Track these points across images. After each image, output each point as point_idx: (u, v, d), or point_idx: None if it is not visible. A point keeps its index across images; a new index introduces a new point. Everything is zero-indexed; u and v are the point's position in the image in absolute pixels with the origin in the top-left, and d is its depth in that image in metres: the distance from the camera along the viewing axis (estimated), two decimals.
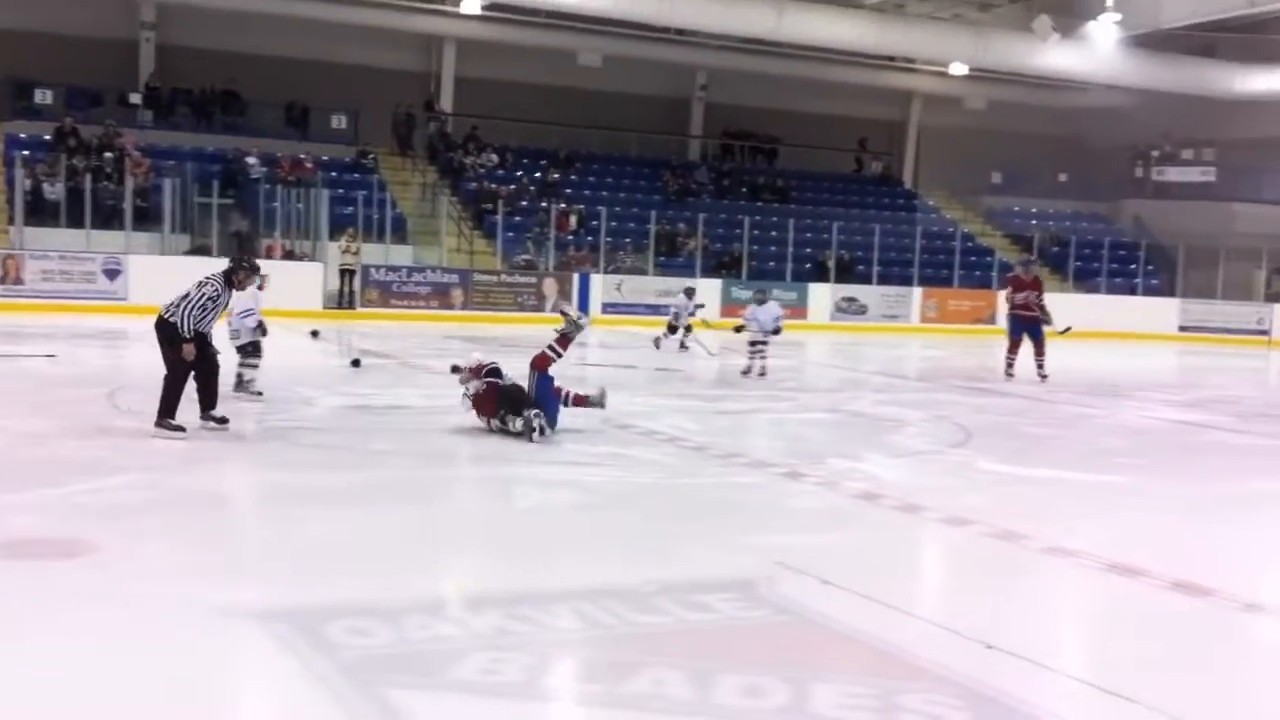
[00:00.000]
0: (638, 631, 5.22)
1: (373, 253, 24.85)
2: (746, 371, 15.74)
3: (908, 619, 5.54)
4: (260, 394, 11.42)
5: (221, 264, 10.31)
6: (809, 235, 30.29)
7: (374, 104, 29.11)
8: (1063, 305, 30.36)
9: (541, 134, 31.68)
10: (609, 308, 26.05)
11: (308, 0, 27.88)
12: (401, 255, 25.79)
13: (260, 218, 25.04)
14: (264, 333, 11.54)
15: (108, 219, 24.03)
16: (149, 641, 4.91)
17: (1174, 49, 31.86)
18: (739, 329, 16.15)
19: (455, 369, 14.47)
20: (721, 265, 28.81)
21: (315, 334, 19.00)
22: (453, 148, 30.17)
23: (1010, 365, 17.13)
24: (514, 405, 9.88)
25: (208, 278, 9.52)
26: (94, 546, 6.22)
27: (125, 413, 10.65)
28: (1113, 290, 31.76)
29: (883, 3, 28.66)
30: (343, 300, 23.96)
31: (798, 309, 28.13)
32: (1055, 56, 30.26)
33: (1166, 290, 32.05)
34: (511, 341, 20.09)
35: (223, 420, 9.57)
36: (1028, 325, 17.13)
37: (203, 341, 9.38)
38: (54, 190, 24.07)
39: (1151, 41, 30.85)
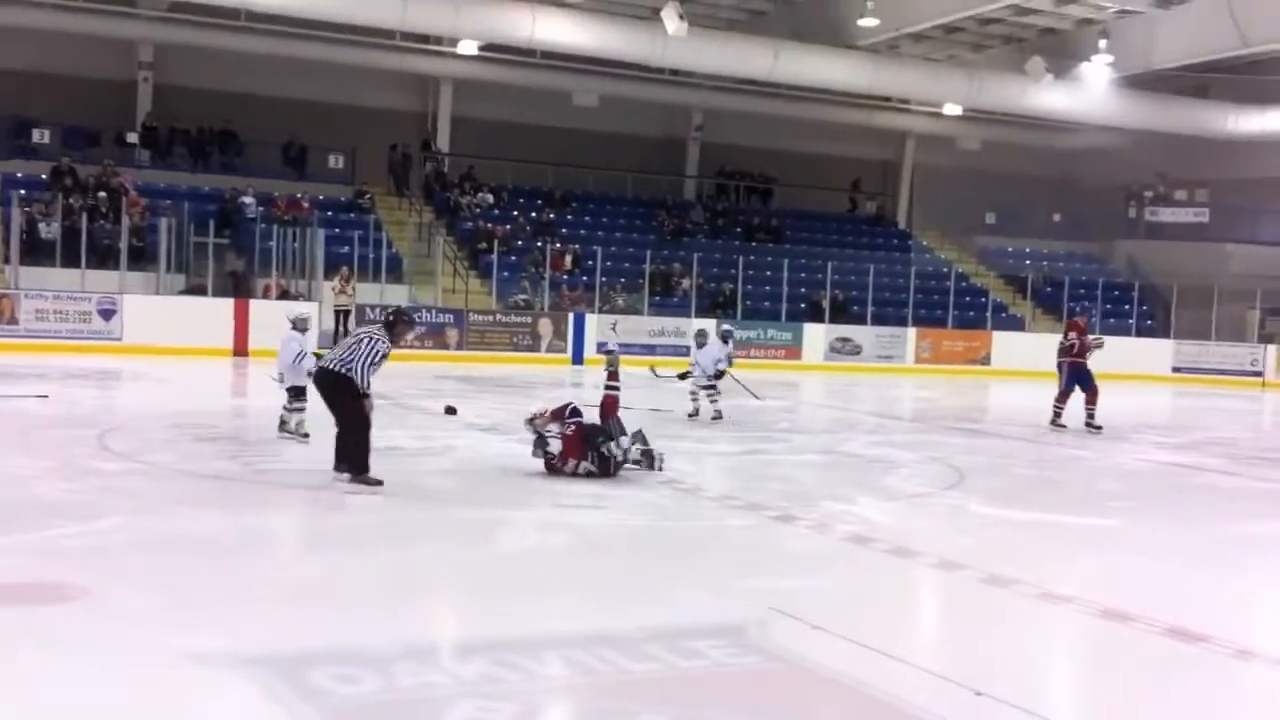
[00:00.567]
0: (627, 679, 5.19)
1: (368, 292, 24.86)
2: (693, 414, 15.24)
3: (898, 665, 5.51)
4: (307, 436, 11.29)
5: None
6: (803, 275, 30.36)
7: (370, 144, 29.22)
8: (1055, 346, 30.55)
9: (537, 174, 31.81)
10: (603, 348, 26.06)
11: (305, 40, 28.02)
12: (397, 295, 25.80)
13: (256, 257, 25.06)
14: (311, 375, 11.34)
15: (103, 258, 24.04)
16: (132, 689, 4.87)
17: (1167, 89, 32.08)
18: (684, 375, 15.73)
19: (450, 410, 14.49)
20: (716, 305, 28.85)
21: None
22: (449, 187, 30.28)
23: (1059, 414, 16.20)
24: (605, 439, 10.10)
25: (371, 333, 9.25)
26: (79, 591, 6.18)
27: (114, 454, 10.62)
28: (1106, 331, 31.57)
29: (877, 44, 28.83)
30: (337, 339, 23.89)
31: (792, 349, 28.19)
32: (1048, 97, 30.46)
33: (1160, 331, 32.10)
34: (506, 382, 20.11)
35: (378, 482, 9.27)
36: (1082, 372, 16.18)
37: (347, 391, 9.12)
38: (50, 230, 24.10)
39: (1144, 82, 31.06)
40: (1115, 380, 27.96)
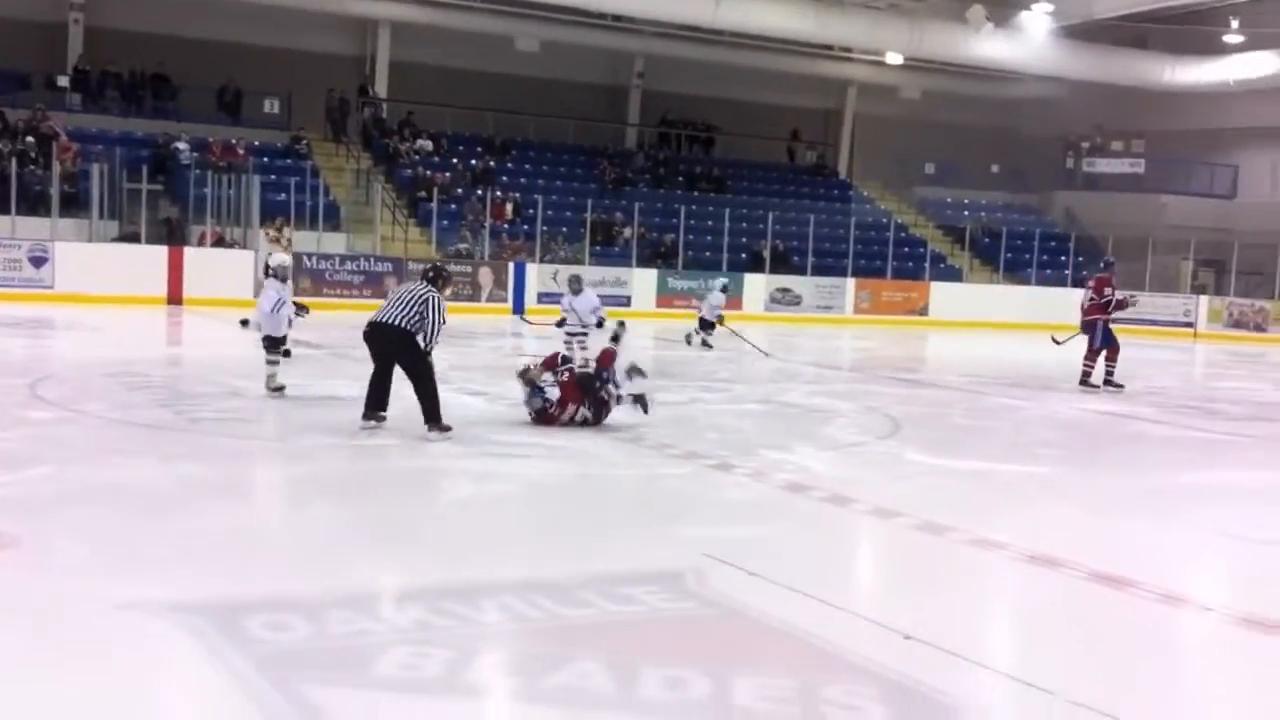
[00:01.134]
0: (562, 624, 5.21)
1: (305, 240, 24.56)
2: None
3: (832, 611, 5.58)
4: (282, 388, 11.20)
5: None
6: (744, 225, 30.37)
7: (307, 88, 28.76)
8: (993, 297, 30.95)
9: (477, 120, 31.50)
10: (545, 297, 25.96)
11: None
12: (334, 243, 25.54)
13: (191, 204, 24.68)
14: (290, 325, 11.56)
15: (34, 205, 23.57)
16: (63, 638, 4.83)
17: (1106, 40, 32.34)
18: (560, 322, 15.31)
19: None
20: (657, 255, 28.81)
21: (245, 323, 18.65)
22: (387, 134, 29.92)
23: (1090, 373, 15.77)
24: (601, 384, 10.31)
25: (430, 295, 9.49)
26: (9, 540, 6.10)
27: (45, 403, 10.47)
28: (1043, 281, 32.14)
29: None
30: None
31: (733, 299, 28.21)
32: (988, 46, 30.60)
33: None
34: (446, 331, 19.97)
35: (384, 419, 9.73)
36: (1107, 329, 15.73)
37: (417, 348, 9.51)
38: None
39: (1084, 32, 31.28)
40: (1049, 330, 28.37)
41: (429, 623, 5.12)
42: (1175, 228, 32.08)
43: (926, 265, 31.56)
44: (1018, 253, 32.88)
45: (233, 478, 8.05)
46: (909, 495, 8.41)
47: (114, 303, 20.83)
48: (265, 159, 27.22)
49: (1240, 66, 32.19)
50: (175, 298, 22.46)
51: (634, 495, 8.34)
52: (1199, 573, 7.16)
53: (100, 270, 22.02)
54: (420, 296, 9.49)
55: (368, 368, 13.66)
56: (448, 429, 9.48)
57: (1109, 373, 15.60)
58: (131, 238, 23.49)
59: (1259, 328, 30.41)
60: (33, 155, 24.31)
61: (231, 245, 24.37)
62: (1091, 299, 15.90)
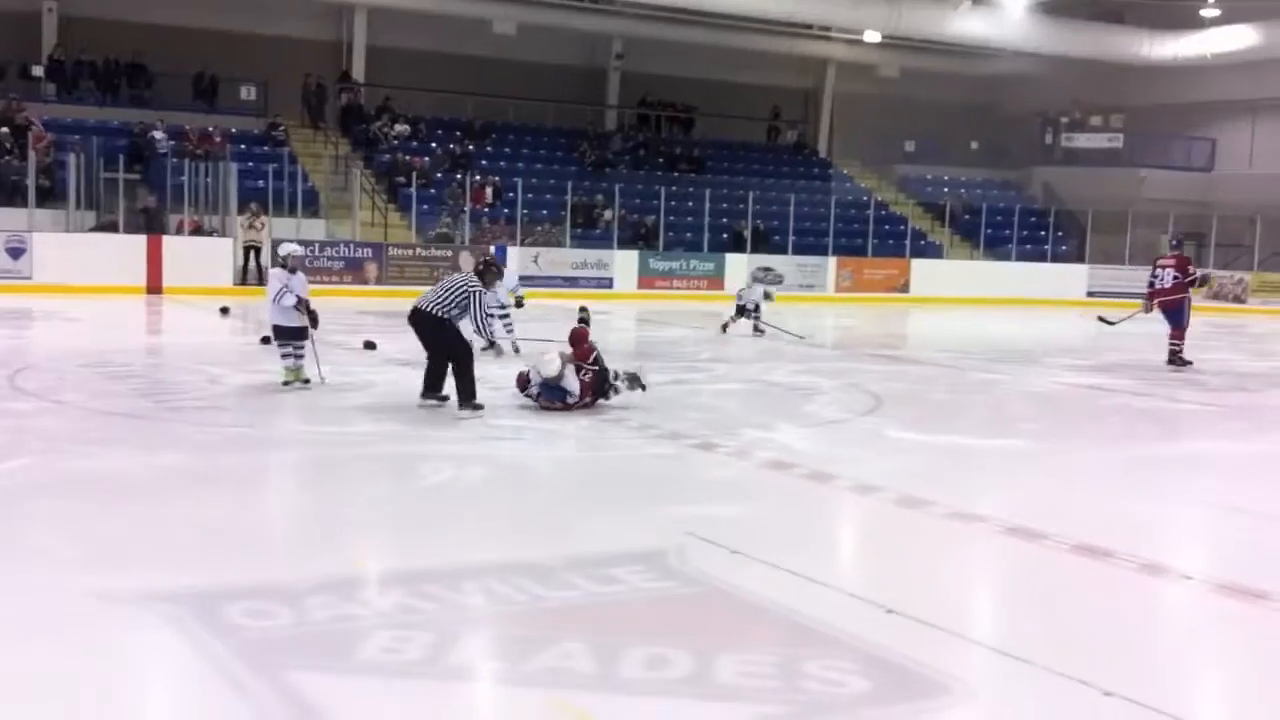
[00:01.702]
0: (545, 606, 5.22)
1: (284, 227, 24.41)
2: (487, 348, 14.83)
3: (814, 587, 5.60)
4: (308, 381, 11.04)
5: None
6: (725, 205, 30.33)
7: (283, 75, 28.59)
8: (974, 273, 31.01)
9: (456, 104, 31.36)
10: (525, 280, 25.89)
11: None
12: (314, 229, 25.41)
13: (168, 192, 24.52)
14: (306, 312, 10.93)
15: (10, 195, 23.40)
16: (43, 629, 4.82)
17: (1083, 15, 32.35)
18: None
19: (369, 345, 14.36)
20: (638, 236, 28.78)
21: (224, 311, 18.69)
22: (365, 119, 29.78)
23: (1181, 351, 15.78)
24: (612, 380, 10.58)
25: (474, 288, 9.95)
26: None
27: (24, 394, 10.42)
28: (1023, 257, 32.22)
29: None
30: (247, 277, 23.46)
31: (714, 279, 28.25)
32: (966, 23, 30.59)
33: (1075, 256, 32.57)
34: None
35: (444, 398, 10.09)
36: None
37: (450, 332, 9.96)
38: None
39: (1061, 7, 31.28)
40: (1030, 305, 28.51)
41: (411, 606, 5.12)
42: (1154, 201, 32.16)
43: (907, 243, 31.57)
44: (998, 229, 32.93)
45: (212, 466, 8.03)
46: (890, 471, 8.43)
47: (93, 293, 20.72)
48: (242, 146, 27.07)
49: (1218, 40, 32.24)
50: (154, 287, 22.34)
51: (616, 476, 8.35)
52: (1178, 542, 7.21)
53: (78, 260, 21.89)
54: (462, 289, 9.91)
55: (351, 354, 13.69)
56: (479, 407, 9.85)
57: (1175, 350, 15.84)
58: (109, 227, 23.33)
59: (1238, 299, 30.55)
60: (8, 146, 24.14)
61: (210, 233, 24.24)
62: (1176, 278, 15.96)
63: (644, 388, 10.79)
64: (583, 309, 12.47)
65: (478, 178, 28.38)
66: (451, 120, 31.18)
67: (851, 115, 35.59)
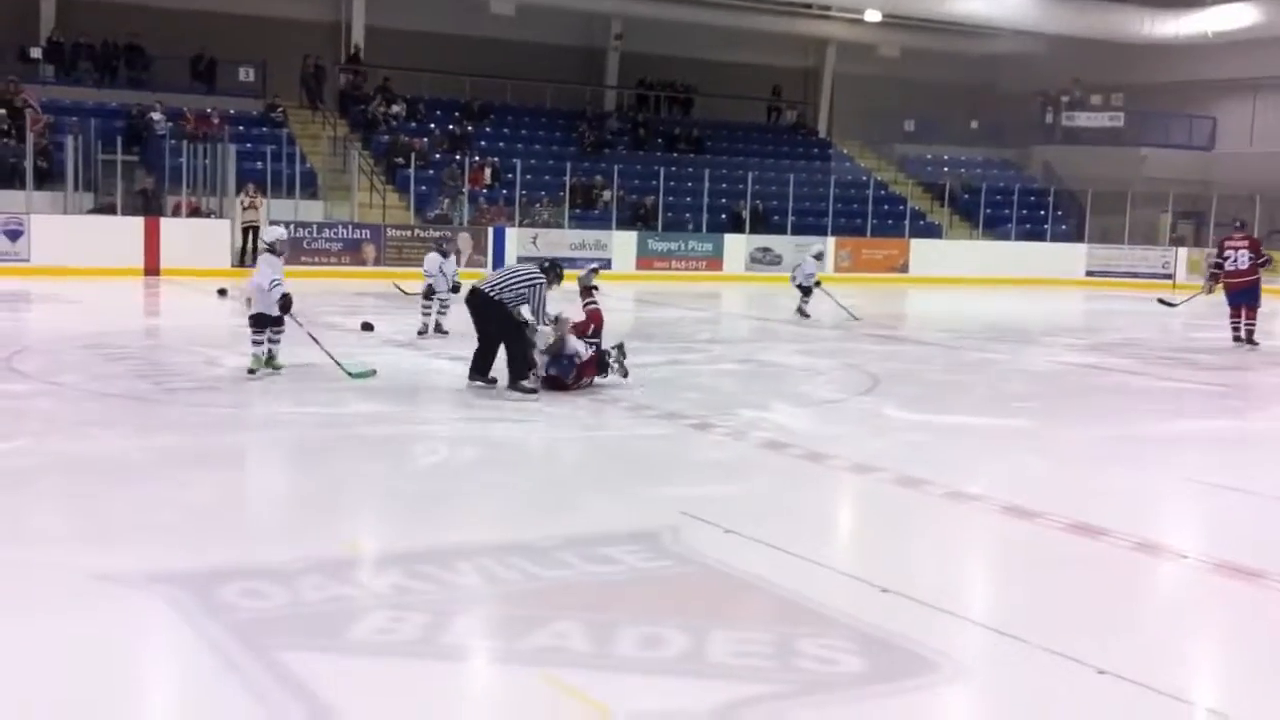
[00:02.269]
0: (540, 586, 5.23)
1: (282, 209, 24.40)
2: (423, 332, 14.15)
3: (809, 566, 5.61)
4: (280, 368, 10.74)
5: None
6: (724, 186, 30.27)
7: (281, 56, 28.50)
8: (973, 252, 30.99)
9: (454, 85, 31.26)
10: (524, 262, 25.91)
11: None
12: (312, 211, 25.37)
13: (166, 174, 24.46)
14: (285, 308, 10.46)
15: (8, 178, 23.34)
16: (39, 609, 4.83)
17: None
18: (429, 291, 14.26)
19: (366, 326, 14.38)
20: (637, 217, 28.73)
21: (223, 292, 18.67)
22: (363, 100, 29.70)
23: (1253, 332, 15.99)
24: (613, 358, 10.68)
25: (533, 277, 10.11)
26: None
27: (22, 376, 10.43)
28: (1022, 237, 32.18)
29: None
30: (245, 258, 23.44)
31: (713, 260, 28.23)
32: (966, 2, 30.51)
33: (1074, 236, 32.51)
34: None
35: (492, 381, 10.21)
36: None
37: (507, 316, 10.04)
38: None
39: None
40: (1029, 285, 28.50)
41: (406, 587, 5.13)
42: (1154, 180, 32.08)
43: (906, 223, 31.51)
44: (997, 208, 32.88)
45: (209, 447, 8.04)
46: (886, 450, 8.45)
47: (91, 275, 20.69)
48: (241, 128, 26.98)
49: (1218, 18, 32.14)
50: (152, 269, 22.31)
51: (612, 456, 8.36)
52: (1174, 521, 7.22)
53: (76, 242, 21.85)
54: (526, 279, 10.07)
55: (348, 335, 13.69)
56: (532, 391, 9.96)
57: (1249, 332, 16.00)
58: (107, 209, 23.28)
59: None
60: (6, 128, 24.07)
61: (208, 215, 24.20)
62: (1251, 259, 16.19)
63: (625, 374, 10.74)
64: (593, 270, 11.94)
65: (476, 159, 28.33)
66: (450, 101, 31.09)
67: (851, 95, 35.49)
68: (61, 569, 5.25)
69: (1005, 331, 17.57)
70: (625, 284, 24.83)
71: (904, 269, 30.01)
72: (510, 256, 25.51)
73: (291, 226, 23.90)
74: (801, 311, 18.44)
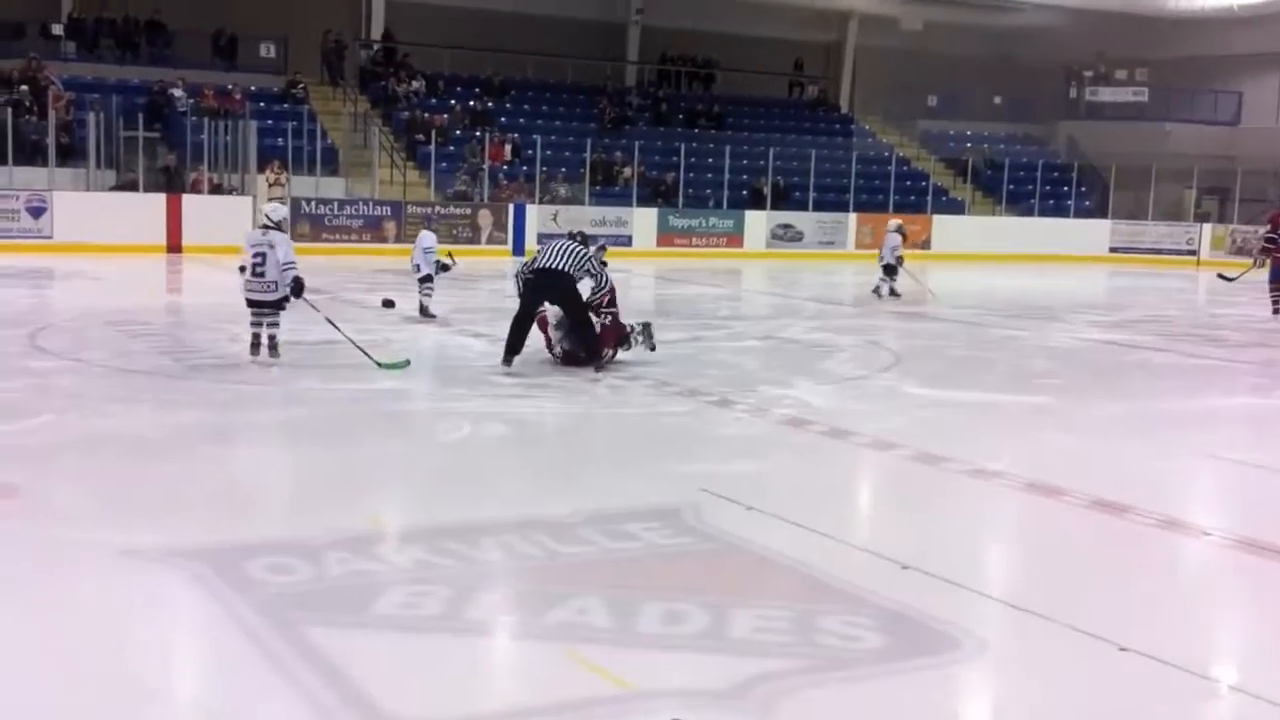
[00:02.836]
0: (562, 562, 5.25)
1: (303, 185, 24.44)
2: (430, 313, 13.71)
3: (830, 543, 5.61)
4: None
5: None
6: (745, 162, 30.16)
7: (302, 32, 28.50)
8: (996, 228, 30.83)
9: (475, 61, 31.21)
10: (545, 239, 25.90)
11: None
12: (333, 188, 25.38)
13: (188, 151, 24.53)
14: (298, 292, 10.04)
15: (30, 155, 23.44)
16: (67, 585, 4.88)
17: None
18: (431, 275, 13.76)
19: (387, 303, 14.40)
20: (657, 194, 28.66)
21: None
22: (384, 77, 29.68)
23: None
24: (632, 329, 10.73)
25: (588, 254, 10.28)
26: (10, 489, 6.15)
27: (46, 353, 10.49)
28: (1045, 213, 32.00)
29: None
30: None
31: (734, 237, 28.16)
32: None
33: (1098, 212, 32.32)
34: (445, 275, 19.95)
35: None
36: None
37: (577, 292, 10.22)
38: None
39: None
40: (1052, 261, 28.34)
41: (429, 562, 5.16)
42: (1179, 156, 31.83)
43: (929, 199, 31.37)
44: (1020, 184, 32.68)
45: (232, 423, 8.08)
46: (907, 427, 8.43)
47: (113, 252, 20.78)
48: (262, 104, 27.01)
49: None
50: (175, 246, 22.39)
51: (634, 433, 8.36)
52: (1197, 498, 7.20)
53: (99, 219, 21.93)
54: (586, 256, 10.21)
55: (369, 312, 13.72)
56: (605, 368, 10.18)
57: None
58: (129, 186, 23.36)
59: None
60: (28, 105, 24.16)
61: (230, 192, 24.26)
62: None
63: (653, 347, 10.81)
64: (601, 246, 11.68)
65: (496, 135, 28.31)
66: (470, 77, 31.05)
67: (874, 70, 35.29)
68: (88, 545, 5.30)
69: (1028, 308, 17.49)
70: (645, 261, 24.82)
71: (926, 245, 29.85)
72: (530, 233, 25.51)
73: (312, 203, 24.04)
74: (892, 291, 18.11)
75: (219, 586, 4.78)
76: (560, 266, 10.03)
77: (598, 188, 28.09)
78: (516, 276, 10.60)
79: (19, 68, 25.08)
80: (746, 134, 32.05)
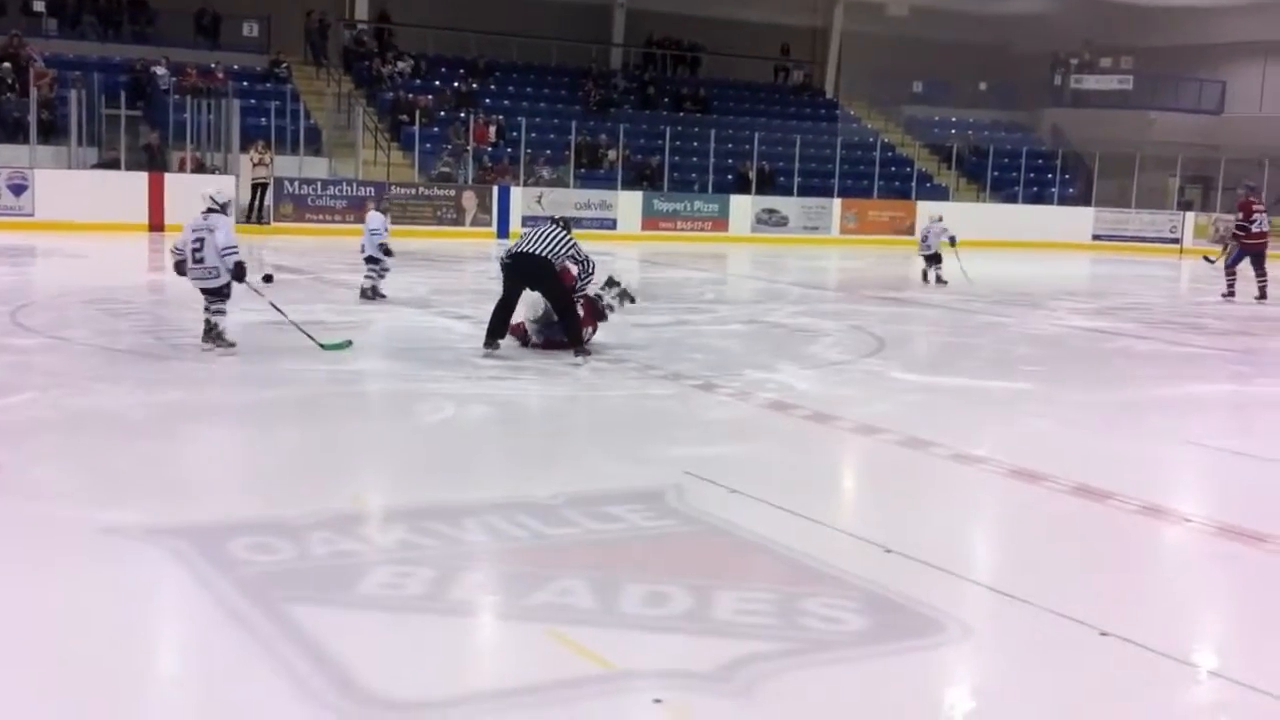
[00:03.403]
0: (545, 543, 5.24)
1: (286, 165, 24.35)
2: (380, 294, 13.48)
3: (813, 526, 5.62)
4: (233, 345, 9.78)
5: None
6: (730, 146, 30.16)
7: (286, 11, 28.37)
8: (980, 215, 30.88)
9: (459, 42, 31.10)
10: (529, 221, 25.84)
11: None
12: (316, 168, 25.30)
13: (170, 130, 24.41)
14: (240, 277, 9.52)
15: (12, 132, 23.31)
16: (48, 562, 4.85)
17: None
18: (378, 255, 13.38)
19: (267, 278, 14.21)
20: (642, 177, 28.63)
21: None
22: (368, 57, 29.55)
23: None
24: (605, 304, 10.73)
25: (567, 236, 10.11)
26: None
27: (27, 330, 10.43)
28: (1029, 199, 32.08)
29: None
30: (253, 214, 23.49)
31: (719, 221, 28.15)
32: None
33: (1082, 199, 32.42)
34: (429, 256, 19.94)
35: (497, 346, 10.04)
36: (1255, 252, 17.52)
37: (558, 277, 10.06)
38: None
39: None
40: (1036, 248, 28.42)
41: (412, 543, 5.15)
42: (1163, 144, 31.96)
43: (913, 185, 31.42)
44: (1004, 171, 32.76)
45: (214, 403, 8.05)
46: (891, 412, 8.44)
47: (95, 230, 20.67)
48: (245, 83, 26.88)
49: None
50: (157, 224, 22.28)
51: (617, 416, 8.36)
52: (1178, 485, 7.23)
53: (81, 197, 21.82)
54: (566, 239, 10.05)
55: (351, 292, 13.68)
56: (589, 353, 10.02)
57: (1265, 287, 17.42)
58: (111, 164, 23.24)
59: None
60: (10, 82, 23.99)
61: (212, 171, 24.14)
62: (1269, 220, 17.77)
63: (633, 299, 10.83)
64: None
65: (481, 117, 28.21)
66: (455, 58, 30.93)
67: (859, 55, 35.27)
68: (69, 523, 5.27)
69: (1011, 295, 17.53)
70: (630, 244, 24.81)
71: (910, 231, 29.84)
72: (515, 215, 25.47)
73: (296, 184, 23.94)
74: (939, 278, 18.15)
75: (201, 565, 4.76)
76: (540, 252, 9.90)
77: (583, 171, 28.05)
78: (499, 260, 10.55)
79: (1, 45, 24.90)
80: (732, 118, 32.03)
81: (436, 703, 3.75)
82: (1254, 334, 14.25)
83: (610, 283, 10.88)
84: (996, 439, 7.89)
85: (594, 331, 10.50)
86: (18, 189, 21.70)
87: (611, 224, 26.69)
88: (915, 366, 10.57)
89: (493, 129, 28.19)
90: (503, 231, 25.46)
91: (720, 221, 28.16)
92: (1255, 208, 17.37)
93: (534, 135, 27.95)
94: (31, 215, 21.51)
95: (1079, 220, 31.24)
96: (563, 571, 4.85)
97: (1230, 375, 11.29)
